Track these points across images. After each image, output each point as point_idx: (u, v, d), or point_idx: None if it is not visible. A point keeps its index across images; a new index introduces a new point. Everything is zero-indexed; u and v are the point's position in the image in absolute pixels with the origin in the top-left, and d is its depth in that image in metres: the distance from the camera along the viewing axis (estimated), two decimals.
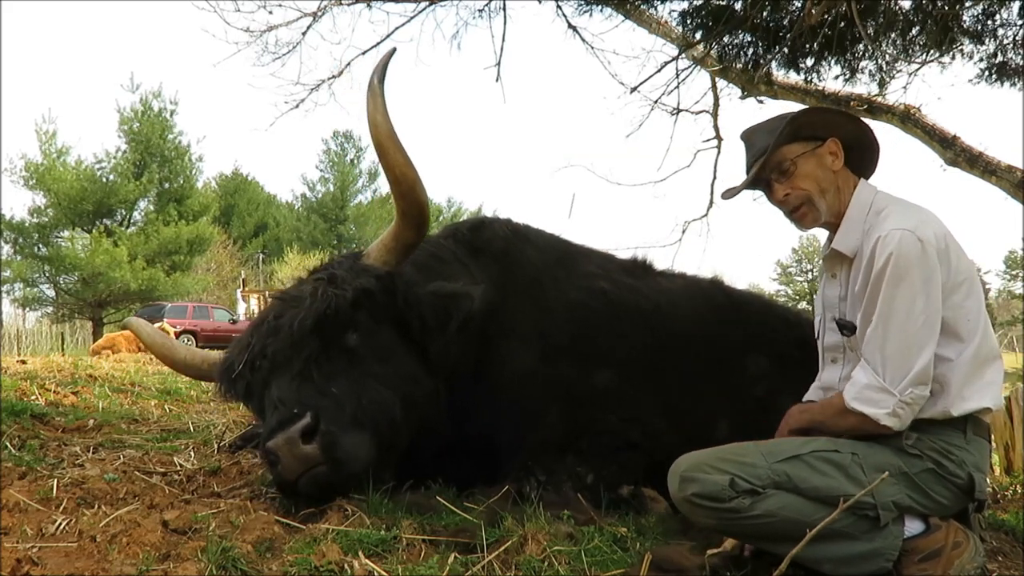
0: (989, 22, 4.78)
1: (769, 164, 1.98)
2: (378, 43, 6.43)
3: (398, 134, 2.12)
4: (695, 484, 1.73)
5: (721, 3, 4.83)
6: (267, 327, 2.11)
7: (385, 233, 2.27)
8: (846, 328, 1.93)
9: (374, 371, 2.07)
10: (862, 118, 2.05)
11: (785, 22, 4.80)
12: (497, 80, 6.30)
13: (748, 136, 2.05)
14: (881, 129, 6.73)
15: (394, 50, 2.24)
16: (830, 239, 2.01)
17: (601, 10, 5.60)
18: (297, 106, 6.74)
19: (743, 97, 6.58)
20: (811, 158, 1.95)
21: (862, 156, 2.02)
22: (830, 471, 1.76)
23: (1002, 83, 5.10)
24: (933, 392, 1.79)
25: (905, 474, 1.77)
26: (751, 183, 2.02)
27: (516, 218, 2.87)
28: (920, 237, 1.74)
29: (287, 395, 1.95)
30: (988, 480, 1.94)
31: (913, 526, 1.85)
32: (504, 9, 6.04)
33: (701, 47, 5.69)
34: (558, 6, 5.92)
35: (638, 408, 2.43)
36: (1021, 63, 4.94)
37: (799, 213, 1.99)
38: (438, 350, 2.23)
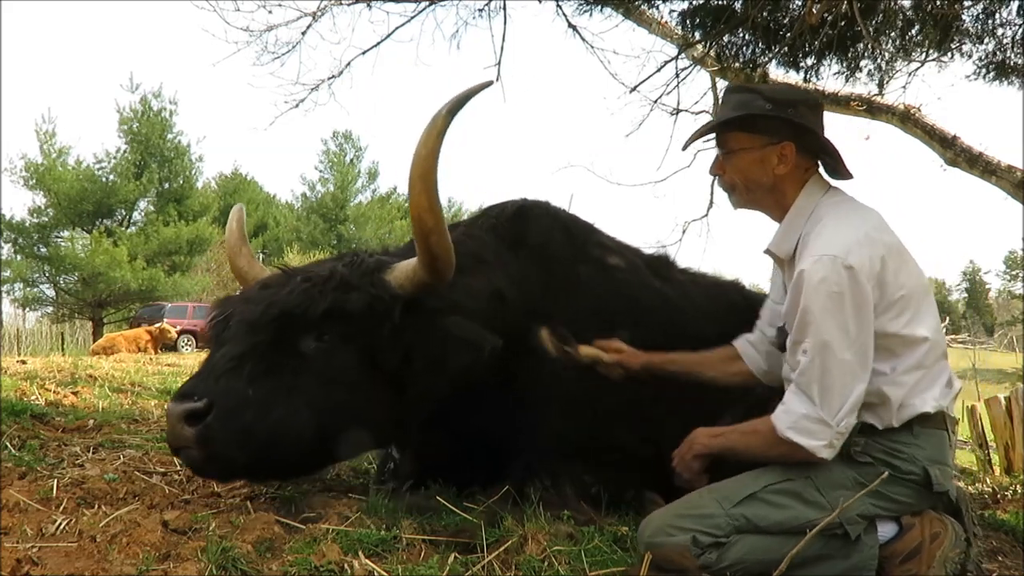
0: (989, 21, 4.78)
1: (718, 137, 1.95)
2: (378, 43, 6.43)
3: (438, 177, 1.93)
4: (660, 550, 1.71)
5: (721, 2, 4.83)
6: (251, 294, 2.06)
7: (414, 261, 2.07)
8: (779, 344, 1.87)
9: (310, 389, 1.93)
10: (829, 135, 1.93)
11: (785, 21, 4.80)
12: (497, 80, 6.29)
13: (727, 94, 1.99)
14: (881, 129, 6.73)
15: (489, 83, 2.03)
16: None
17: (601, 10, 5.59)
18: (297, 106, 6.74)
19: None
20: (754, 154, 1.89)
21: (830, 160, 1.95)
22: (787, 502, 1.74)
23: (1000, 81, 5.10)
24: (872, 404, 1.77)
25: (861, 484, 1.74)
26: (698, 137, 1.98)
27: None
28: (849, 264, 1.66)
29: (211, 370, 1.89)
30: (952, 471, 1.89)
31: (886, 530, 1.84)
32: (504, 9, 6.04)
33: (701, 47, 5.69)
34: (558, 6, 5.92)
35: (656, 427, 2.37)
36: (1020, 62, 4.94)
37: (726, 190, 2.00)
38: (419, 392, 2.08)
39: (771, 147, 1.87)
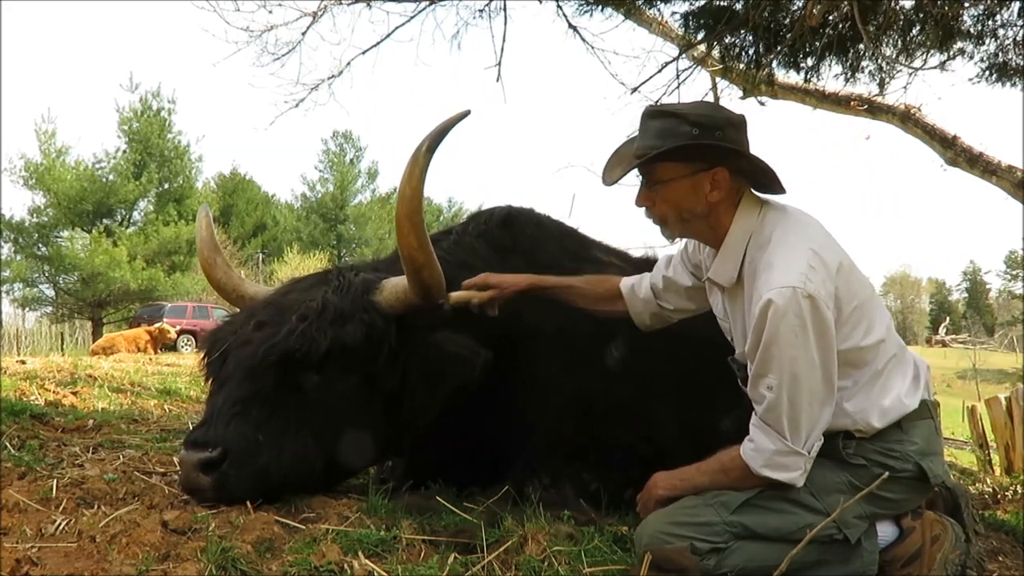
0: (990, 22, 4.78)
1: (642, 168, 1.83)
2: (378, 43, 6.44)
3: (423, 212, 1.98)
4: (660, 551, 1.70)
5: (722, 3, 4.83)
6: (246, 334, 2.04)
7: (404, 283, 2.09)
8: (741, 378, 1.84)
9: (316, 422, 1.98)
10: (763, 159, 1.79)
11: (786, 22, 4.80)
12: (498, 80, 6.31)
13: (645, 119, 1.84)
14: (881, 129, 6.74)
15: (467, 113, 2.02)
16: (712, 257, 1.91)
17: (601, 10, 5.59)
18: (297, 106, 6.76)
19: (744, 97, 6.59)
20: (685, 182, 1.79)
21: (764, 179, 1.85)
22: (784, 507, 1.72)
23: (1003, 83, 5.10)
24: (848, 427, 1.76)
25: (856, 487, 1.72)
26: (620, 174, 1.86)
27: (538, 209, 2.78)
28: (809, 293, 1.61)
29: (218, 415, 1.92)
30: (944, 460, 1.88)
31: (886, 532, 1.84)
32: (504, 9, 6.04)
33: (702, 47, 5.69)
34: (559, 6, 5.92)
35: (655, 426, 2.38)
36: (1022, 63, 4.94)
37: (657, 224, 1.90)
38: (415, 408, 2.11)
39: (703, 173, 1.77)
